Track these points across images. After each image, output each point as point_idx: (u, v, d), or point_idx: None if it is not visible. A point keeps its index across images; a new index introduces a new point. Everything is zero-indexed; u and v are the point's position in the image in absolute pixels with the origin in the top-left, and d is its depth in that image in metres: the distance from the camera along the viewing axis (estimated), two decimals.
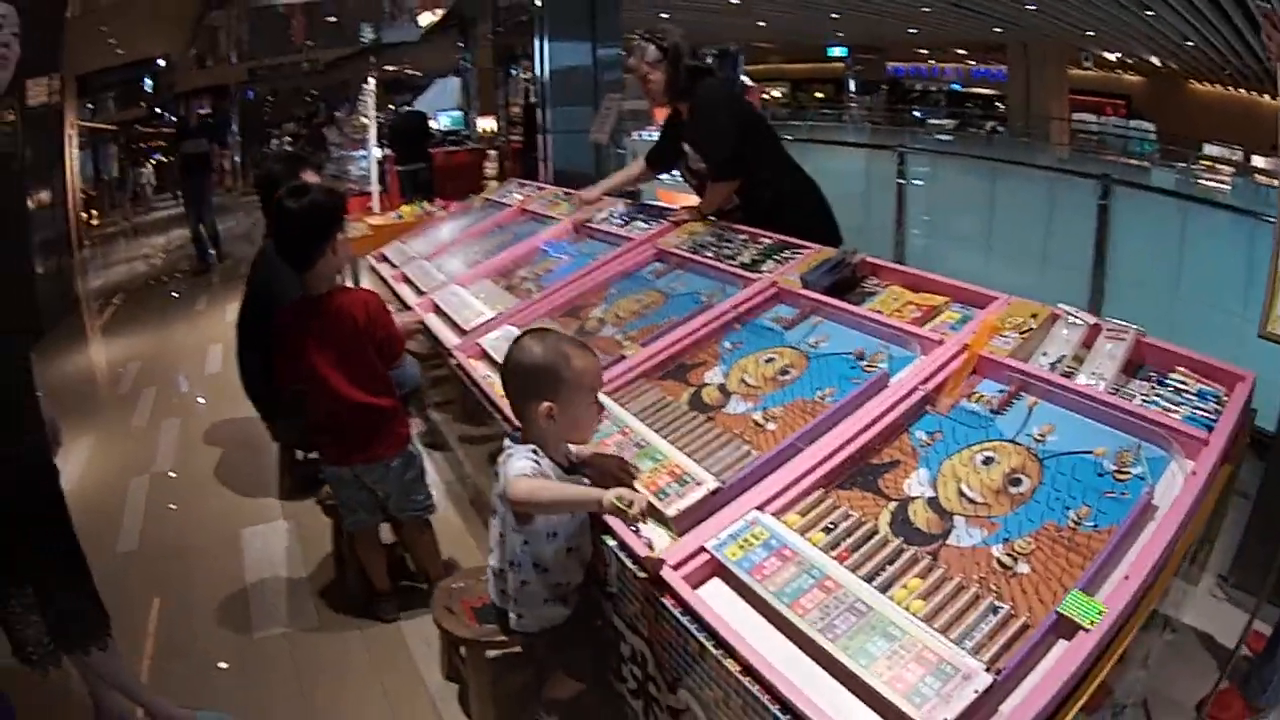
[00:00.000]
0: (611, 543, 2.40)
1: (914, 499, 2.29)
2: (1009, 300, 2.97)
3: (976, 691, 1.69)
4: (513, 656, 2.85)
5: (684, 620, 2.09)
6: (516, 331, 3.50)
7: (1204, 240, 7.01)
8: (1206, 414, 2.35)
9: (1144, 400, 2.43)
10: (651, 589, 2.21)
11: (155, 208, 22.82)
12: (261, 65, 25.57)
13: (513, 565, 2.51)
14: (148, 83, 23.63)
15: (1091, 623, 1.79)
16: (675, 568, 2.17)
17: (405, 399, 3.64)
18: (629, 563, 2.31)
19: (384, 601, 3.79)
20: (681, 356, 3.19)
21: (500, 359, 3.18)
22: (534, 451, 2.42)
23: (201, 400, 7.14)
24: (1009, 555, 2.05)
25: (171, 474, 5.67)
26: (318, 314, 3.30)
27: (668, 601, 2.14)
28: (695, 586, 2.15)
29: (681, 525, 2.31)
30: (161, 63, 21.99)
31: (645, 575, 2.23)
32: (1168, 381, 2.52)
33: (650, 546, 2.28)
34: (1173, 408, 2.38)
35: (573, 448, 2.58)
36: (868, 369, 2.82)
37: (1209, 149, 23.20)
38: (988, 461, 2.35)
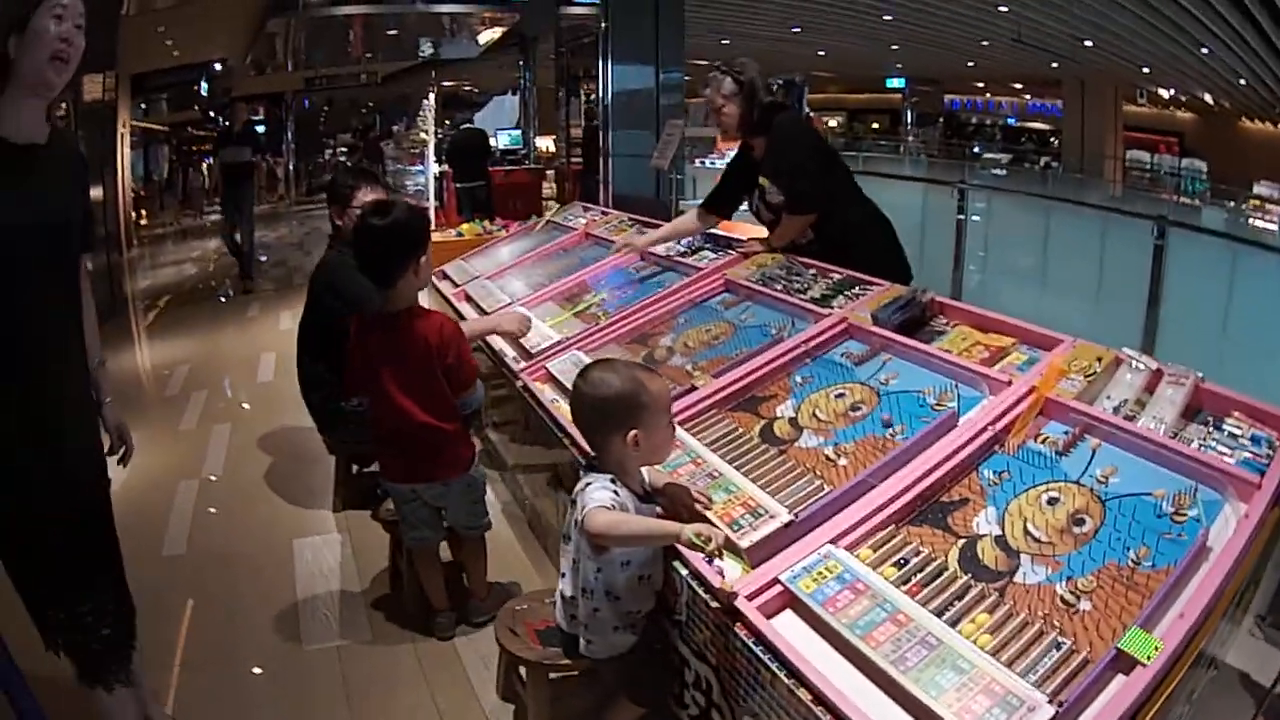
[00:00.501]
0: (684, 571, 2.46)
1: (982, 537, 2.35)
2: (1074, 343, 3.02)
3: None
4: (574, 680, 2.91)
5: (756, 650, 2.14)
6: (583, 356, 3.63)
7: (1253, 280, 7.01)
8: (1259, 458, 2.42)
9: (1200, 444, 2.49)
10: (724, 618, 2.27)
11: (206, 212, 22.87)
12: (318, 75, 25.49)
13: (585, 593, 2.55)
14: (203, 86, 23.70)
15: (1149, 658, 1.86)
16: (749, 598, 2.23)
17: (467, 419, 3.71)
18: (702, 592, 2.37)
19: (441, 619, 3.77)
20: (753, 389, 3.24)
21: (568, 383, 3.26)
22: (612, 480, 2.48)
23: (249, 407, 7.12)
24: (1072, 593, 2.11)
25: (220, 479, 5.64)
26: (393, 332, 3.33)
27: (740, 631, 2.20)
28: (769, 617, 2.20)
29: (755, 557, 2.37)
30: (218, 67, 22.05)
31: (719, 605, 2.29)
32: (1224, 426, 2.59)
33: (723, 576, 2.34)
34: (1228, 452, 2.45)
35: (646, 475, 2.64)
36: (937, 408, 2.87)
37: (1259, 188, 23.08)
38: (1052, 502, 2.41)
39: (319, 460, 5.28)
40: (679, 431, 2.93)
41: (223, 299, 10.79)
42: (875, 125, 37.40)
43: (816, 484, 2.64)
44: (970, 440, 2.64)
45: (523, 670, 3.01)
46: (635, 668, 2.65)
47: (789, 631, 2.17)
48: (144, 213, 17.51)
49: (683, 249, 4.86)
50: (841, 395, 3.08)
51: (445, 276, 5.83)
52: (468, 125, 14.65)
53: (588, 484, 2.49)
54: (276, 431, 6.24)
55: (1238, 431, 2.56)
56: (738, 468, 2.75)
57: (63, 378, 2.55)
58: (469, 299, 5.16)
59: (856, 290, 3.75)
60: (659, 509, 2.60)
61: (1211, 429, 2.59)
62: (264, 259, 11.67)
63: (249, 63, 21.48)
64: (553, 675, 2.90)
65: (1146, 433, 2.53)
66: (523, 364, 4.01)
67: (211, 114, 28.59)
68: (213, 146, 11.31)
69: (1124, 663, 1.90)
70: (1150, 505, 2.33)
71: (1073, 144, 31.14)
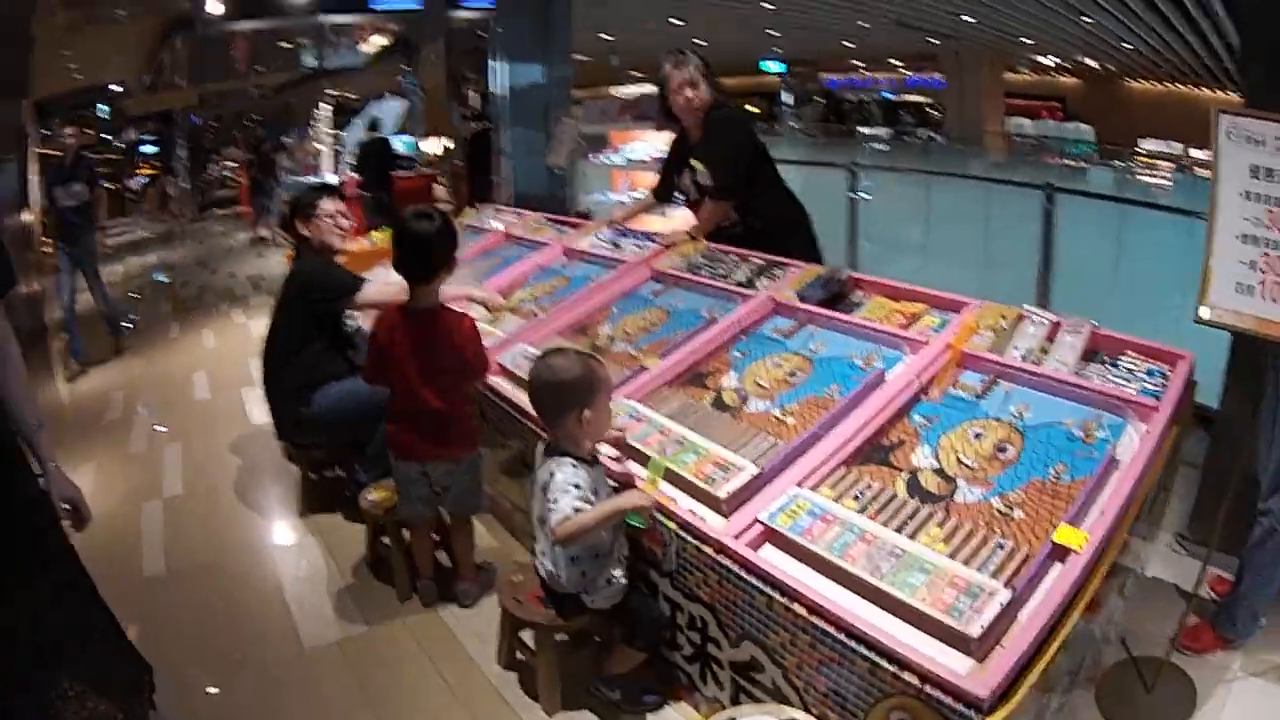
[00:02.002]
0: (671, 525, 2.78)
1: (922, 469, 2.75)
2: (981, 305, 3.41)
3: (1001, 604, 2.15)
4: (576, 635, 3.19)
5: (750, 578, 2.48)
6: (531, 349, 3.91)
7: (1141, 235, 7.46)
8: (1154, 386, 2.90)
9: (1101, 380, 2.94)
10: (716, 558, 2.59)
11: (108, 234, 21.80)
12: (211, 91, 25.23)
13: (574, 561, 2.88)
14: (100, 108, 22.91)
15: (1080, 546, 2.30)
16: (736, 537, 2.57)
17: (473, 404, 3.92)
18: (691, 539, 2.69)
19: (425, 584, 3.95)
20: (697, 366, 3.57)
21: (521, 374, 3.60)
22: (574, 464, 2.81)
23: (194, 425, 6.81)
24: (1005, 506, 2.54)
25: (183, 497, 5.48)
26: (420, 326, 3.55)
27: (733, 566, 2.53)
28: (755, 551, 2.54)
29: (731, 505, 2.70)
30: (117, 88, 21.52)
31: (710, 546, 2.62)
32: (1119, 364, 3.04)
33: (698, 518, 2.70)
34: (1126, 384, 2.91)
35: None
36: (865, 368, 3.24)
37: (1146, 144, 23.47)
38: (978, 436, 2.83)
39: (276, 470, 5.38)
40: (641, 407, 3.26)
41: (126, 326, 10.32)
42: (753, 109, 37.65)
43: (771, 440, 2.99)
44: (900, 392, 3.02)
45: (527, 637, 3.28)
46: (630, 617, 2.98)
47: (774, 560, 2.51)
48: (45, 240, 16.72)
49: (606, 245, 5.15)
50: (779, 365, 3.42)
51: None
52: (373, 133, 14.51)
53: (552, 473, 2.80)
54: (227, 446, 6.17)
55: (1133, 367, 3.02)
56: (700, 433, 3.07)
57: None
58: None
59: (776, 272, 4.09)
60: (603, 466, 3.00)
61: (1109, 367, 3.03)
62: (129, 325, 9.88)
63: (146, 83, 21.00)
64: (559, 636, 3.12)
65: (1053, 373, 2.95)
66: None
67: (105, 136, 27.83)
68: (43, 185, 9.13)
69: (1059, 553, 2.32)
70: (1063, 432, 2.77)
71: (954, 116, 31.57)
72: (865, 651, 2.21)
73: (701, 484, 2.78)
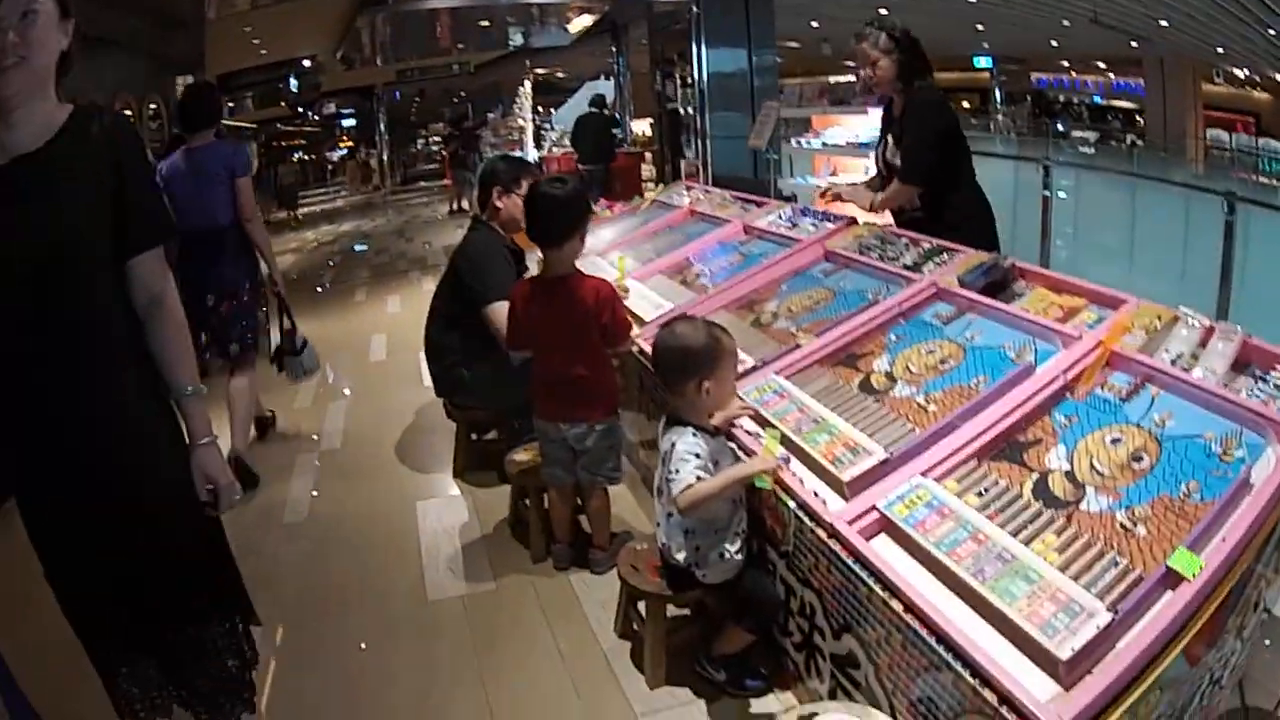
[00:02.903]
0: (791, 504, 2.83)
1: (1053, 471, 2.66)
2: (1138, 303, 3.29)
3: (1098, 626, 2.03)
4: (688, 610, 3.27)
5: (855, 567, 2.51)
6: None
7: None
8: None
9: (1247, 393, 2.76)
10: (828, 543, 2.63)
11: (301, 203, 22.60)
12: (409, 67, 25.39)
13: (688, 534, 2.94)
14: (291, 81, 23.62)
15: (1193, 574, 2.13)
16: (850, 523, 2.59)
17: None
18: (808, 521, 2.73)
19: (559, 549, 4.03)
20: (852, 347, 3.57)
21: None
22: (694, 433, 2.87)
23: (364, 385, 7.10)
24: (1130, 520, 2.40)
25: (339, 451, 5.71)
26: (555, 292, 3.63)
27: (841, 552, 2.57)
28: (868, 539, 2.56)
29: (854, 489, 2.72)
30: (307, 63, 22.08)
31: (823, 531, 2.66)
32: (1269, 378, 2.84)
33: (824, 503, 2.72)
34: (1271, 399, 2.72)
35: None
36: (1016, 360, 3.18)
37: None
38: (1115, 442, 2.69)
39: (437, 429, 5.49)
40: (786, 383, 3.30)
41: (319, 289, 10.58)
42: (966, 104, 36.68)
43: (908, 427, 2.98)
44: (1043, 388, 2.95)
45: (641, 606, 3.31)
46: (743, 596, 3.01)
47: (884, 552, 2.53)
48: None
49: (785, 224, 5.15)
50: (932, 351, 3.38)
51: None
52: (594, 109, 14.63)
53: (673, 443, 2.86)
54: (393, 405, 6.35)
55: None
56: (838, 414, 3.09)
57: (78, 411, 2.22)
58: None
59: (944, 257, 4.04)
60: (725, 439, 3.05)
61: (1258, 380, 2.85)
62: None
63: (339, 58, 21.62)
64: (669, 608, 3.17)
65: (1199, 382, 2.79)
66: (637, 330, 4.27)
67: (300, 109, 28.78)
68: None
69: (1172, 579, 2.16)
70: (1201, 446, 2.58)
71: (1155, 122, 30.21)
72: (951, 660, 2.17)
73: (828, 465, 2.81)
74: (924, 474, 2.70)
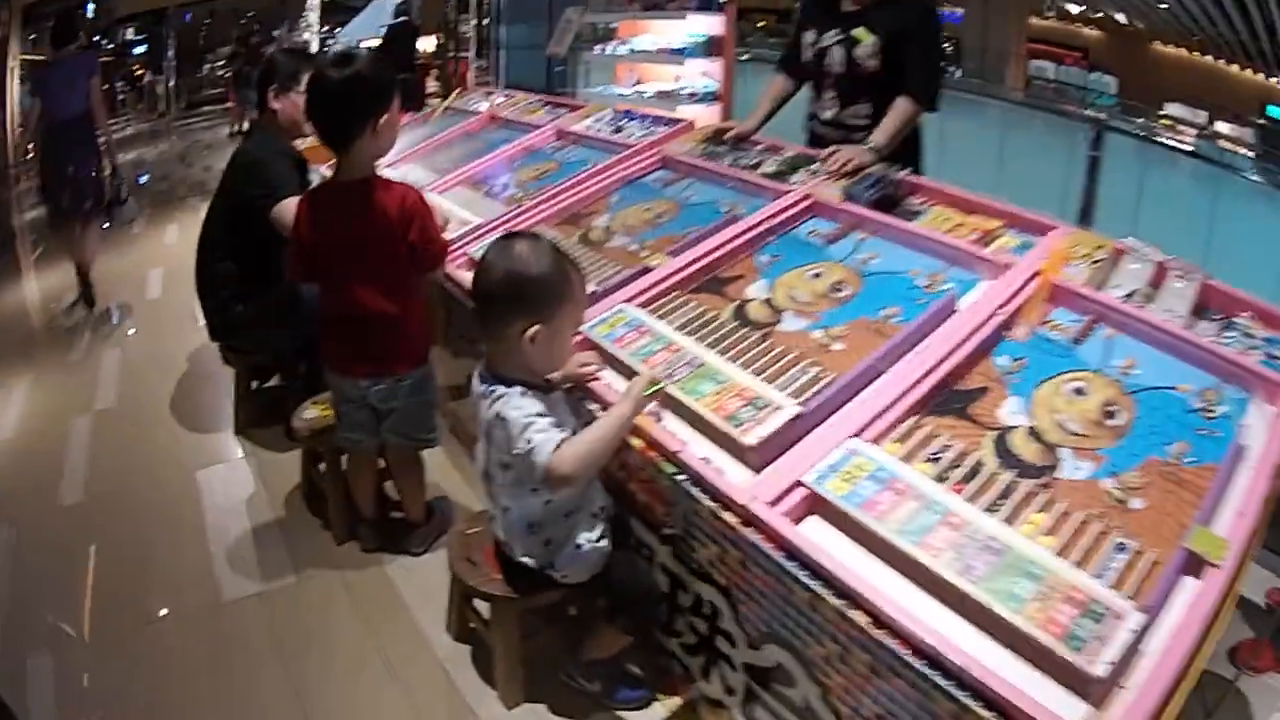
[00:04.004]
0: (680, 476, 2.03)
1: (1013, 429, 2.03)
2: (1071, 230, 2.69)
3: (1133, 631, 1.51)
4: (545, 610, 2.45)
5: (787, 565, 1.75)
6: None
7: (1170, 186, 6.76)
8: (1277, 359, 2.21)
9: (1214, 341, 2.24)
10: (738, 530, 1.86)
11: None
12: None
13: (532, 528, 2.15)
14: (88, 9, 21.92)
15: (1219, 558, 1.66)
16: (771, 504, 1.82)
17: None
18: (706, 500, 1.95)
19: (365, 529, 3.31)
20: (715, 268, 2.81)
21: None
22: (521, 393, 2.02)
23: (139, 329, 6.34)
24: (1120, 490, 1.86)
25: (114, 410, 4.94)
26: (347, 205, 2.76)
27: (762, 542, 1.80)
28: (795, 523, 1.81)
29: (763, 456, 1.96)
30: None
31: (730, 513, 1.88)
32: (1235, 325, 2.34)
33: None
34: (1244, 351, 2.21)
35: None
36: (929, 289, 2.51)
37: (1170, 108, 23.11)
38: (1080, 392, 2.13)
39: (216, 377, 4.70)
40: (645, 316, 2.52)
41: (105, 225, 9.75)
42: (762, 24, 36.50)
43: (814, 371, 2.23)
44: (979, 325, 2.27)
45: (483, 605, 2.52)
46: (615, 591, 2.24)
47: (819, 540, 1.78)
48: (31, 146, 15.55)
49: (609, 127, 4.37)
50: (818, 275, 2.67)
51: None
52: (404, 18, 14.14)
53: (498, 414, 2.02)
54: (169, 351, 5.54)
55: (1251, 332, 2.31)
56: (720, 355, 2.32)
57: None
58: None
59: (814, 166, 3.32)
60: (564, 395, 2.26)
61: (1223, 327, 2.33)
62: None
63: None
64: (522, 609, 2.40)
65: (1164, 324, 2.25)
66: None
67: (96, 38, 27.07)
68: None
69: (1193, 564, 1.68)
70: (1178, 400, 2.09)
71: (974, 52, 31.09)
72: (950, 687, 1.53)
73: (723, 425, 2.03)
74: (857, 434, 1.99)
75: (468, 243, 3.43)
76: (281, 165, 3.63)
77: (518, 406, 1.98)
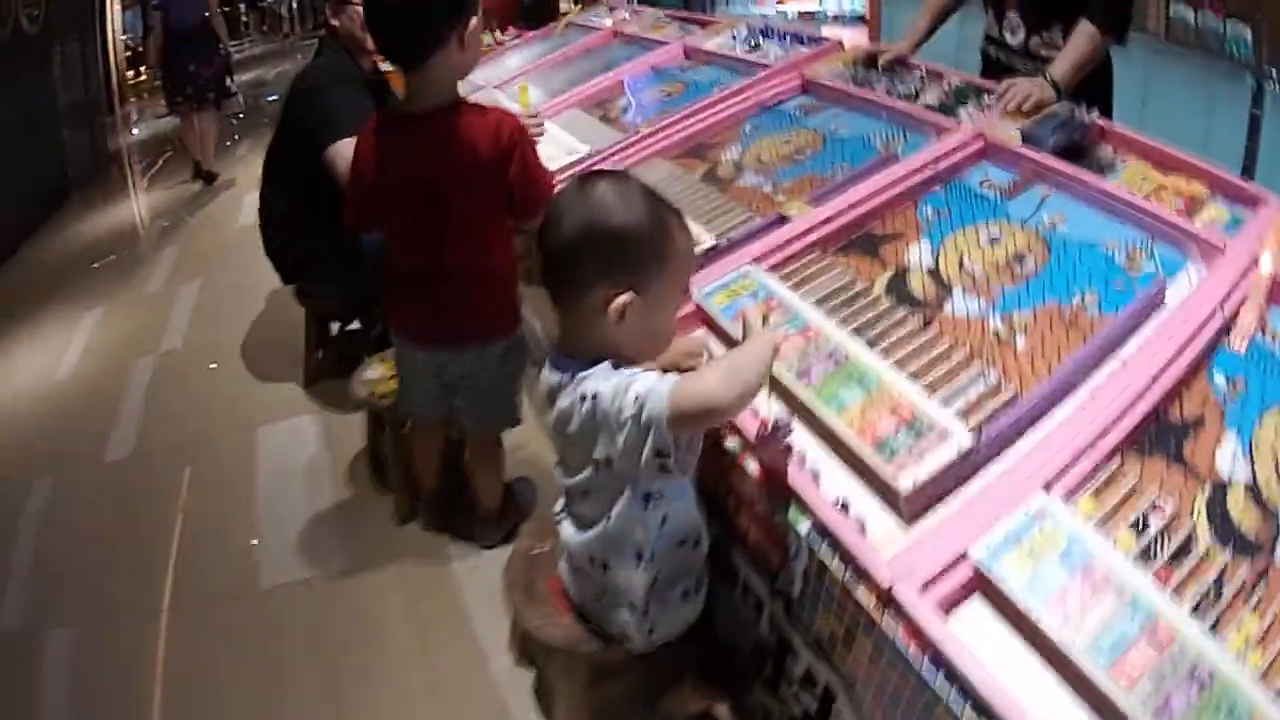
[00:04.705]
0: (802, 527, 1.54)
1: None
2: None
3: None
4: (621, 660, 1.84)
5: (936, 680, 1.29)
6: None
7: None
8: None
9: None
10: (872, 615, 1.40)
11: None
12: None
13: (640, 559, 1.64)
14: None
15: None
16: (924, 588, 1.35)
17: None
18: (834, 563, 1.47)
19: (429, 507, 2.99)
20: (867, 222, 2.31)
21: None
22: (613, 366, 1.52)
23: (222, 259, 6.03)
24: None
25: (181, 351, 4.72)
26: (422, 135, 2.27)
27: (905, 640, 1.34)
28: (947, 611, 1.36)
29: (919, 504, 1.49)
30: None
31: (868, 590, 1.42)
32: None
33: (861, 531, 1.47)
34: None
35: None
36: (1131, 271, 2.00)
37: None
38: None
39: (294, 320, 4.17)
40: (773, 281, 2.06)
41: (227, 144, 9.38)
42: None
43: (992, 378, 1.72)
44: (1198, 329, 1.75)
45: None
46: (714, 646, 1.84)
47: (981, 641, 1.31)
48: (141, 69, 14.95)
49: (743, 45, 3.81)
50: (995, 239, 2.16)
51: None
52: None
53: (585, 395, 1.50)
54: (250, 285, 5.09)
55: None
56: (871, 346, 1.84)
57: None
58: None
59: (985, 99, 2.77)
60: None
61: None
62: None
63: None
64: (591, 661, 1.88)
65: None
66: None
67: None
68: None
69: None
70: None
71: None
72: None
73: (871, 457, 1.55)
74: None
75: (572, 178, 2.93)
76: (344, 93, 3.19)
77: (607, 377, 1.49)
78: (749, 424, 1.69)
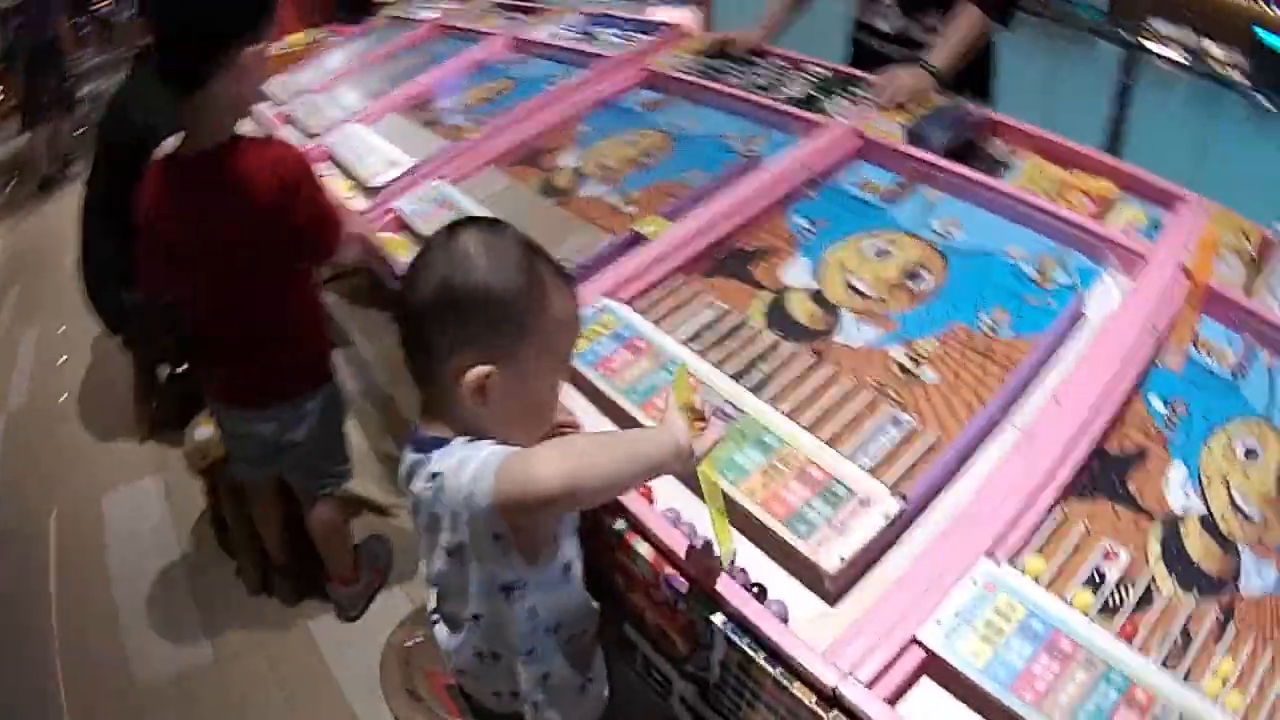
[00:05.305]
0: (716, 617, 1.47)
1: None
2: (1208, 207, 2.19)
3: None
4: None
5: None
6: (448, 189, 2.70)
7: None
8: None
9: None
10: (817, 715, 1.34)
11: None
12: None
13: (529, 655, 1.53)
14: None
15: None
16: (870, 685, 1.30)
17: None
18: (761, 659, 1.40)
19: (281, 582, 3.04)
20: (734, 238, 2.27)
21: (426, 230, 2.35)
22: (469, 443, 1.38)
23: (65, 297, 5.57)
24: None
25: (25, 408, 4.68)
26: (197, 182, 2.19)
27: None
28: (897, 699, 1.32)
29: (845, 584, 1.45)
30: None
31: (801, 685, 1.36)
32: None
33: (784, 619, 1.42)
34: None
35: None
36: (1042, 285, 2.02)
37: (1157, 24, 22.71)
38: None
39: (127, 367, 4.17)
40: (639, 320, 1.99)
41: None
42: None
43: (906, 424, 1.68)
44: (1131, 351, 1.77)
45: None
46: None
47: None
48: None
49: (575, 34, 3.81)
50: (885, 252, 2.16)
51: (263, 97, 4.51)
52: None
53: (435, 474, 1.37)
54: (91, 331, 4.81)
55: None
56: (758, 392, 1.77)
57: None
58: (290, 121, 3.87)
59: (854, 90, 2.80)
60: None
61: None
62: None
63: None
64: None
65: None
66: (360, 205, 2.89)
67: None
68: None
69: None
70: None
71: None
72: None
73: (785, 535, 1.48)
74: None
75: (394, 195, 2.84)
76: (167, 120, 3.04)
77: (452, 453, 1.38)
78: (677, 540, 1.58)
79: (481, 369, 1.34)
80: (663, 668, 1.73)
